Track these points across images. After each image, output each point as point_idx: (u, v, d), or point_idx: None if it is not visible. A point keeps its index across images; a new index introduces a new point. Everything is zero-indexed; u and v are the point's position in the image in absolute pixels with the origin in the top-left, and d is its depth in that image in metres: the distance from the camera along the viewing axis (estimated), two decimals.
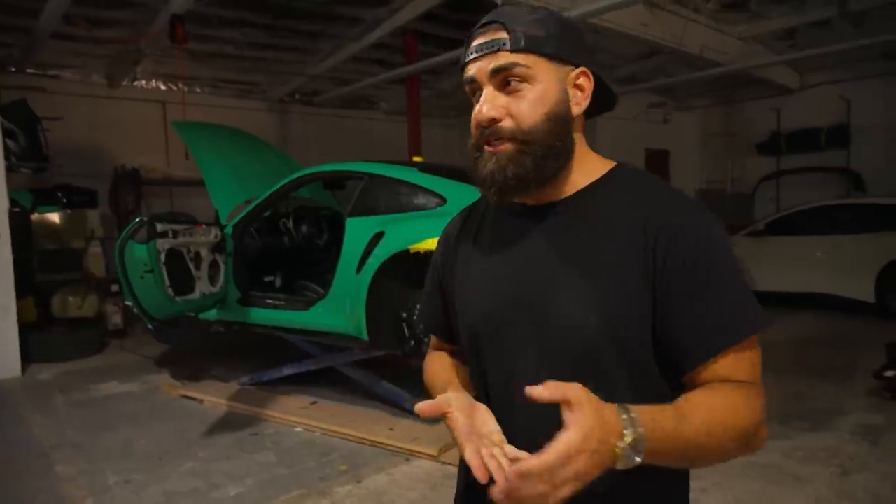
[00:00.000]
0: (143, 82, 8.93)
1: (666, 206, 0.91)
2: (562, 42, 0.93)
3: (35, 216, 6.77)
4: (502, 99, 0.92)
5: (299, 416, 4.22)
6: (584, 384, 0.74)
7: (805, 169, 10.50)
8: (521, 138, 0.91)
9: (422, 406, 0.87)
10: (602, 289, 0.89)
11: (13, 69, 7.67)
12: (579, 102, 0.96)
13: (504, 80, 0.92)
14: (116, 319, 7.01)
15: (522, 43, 0.90)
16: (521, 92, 0.91)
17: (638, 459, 0.73)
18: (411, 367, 5.12)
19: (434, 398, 0.92)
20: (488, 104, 0.92)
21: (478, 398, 0.98)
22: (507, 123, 0.92)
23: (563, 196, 0.97)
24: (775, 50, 8.79)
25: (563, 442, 0.69)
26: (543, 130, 0.92)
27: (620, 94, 10.15)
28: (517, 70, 0.90)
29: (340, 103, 10.64)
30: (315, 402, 4.50)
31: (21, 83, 7.50)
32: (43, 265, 6.59)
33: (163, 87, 9.10)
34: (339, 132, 10.58)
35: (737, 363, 0.85)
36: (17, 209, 6.56)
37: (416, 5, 6.73)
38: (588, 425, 0.70)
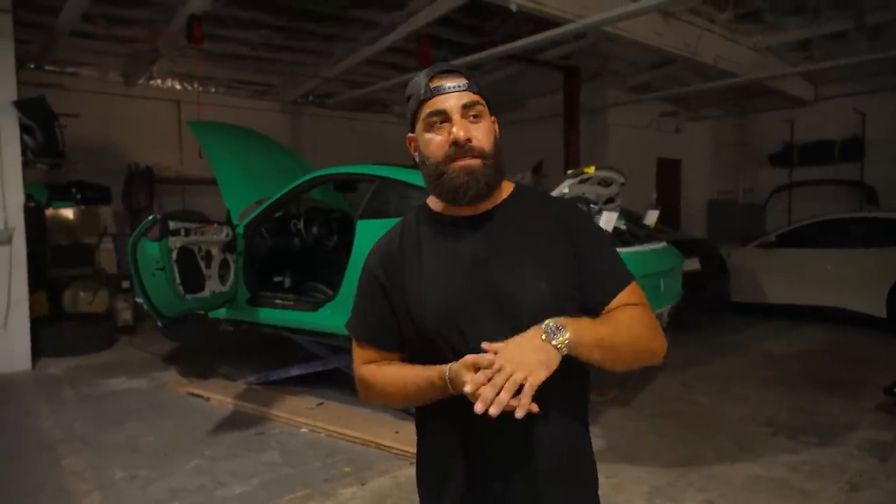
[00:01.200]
0: (159, 81, 9.01)
1: (563, 205, 1.30)
2: (487, 95, 1.24)
3: (49, 211, 6.83)
4: (469, 125, 1.18)
5: (305, 416, 4.23)
6: None
7: (818, 181, 10.42)
8: (485, 155, 1.19)
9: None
10: (547, 268, 1.19)
11: (32, 66, 7.76)
12: (497, 134, 1.26)
13: (468, 113, 1.19)
14: (126, 316, 7.06)
15: (477, 89, 1.21)
16: (479, 123, 1.20)
17: (560, 336, 1.07)
18: None
19: (411, 386, 1.19)
20: (464, 129, 1.17)
21: None
22: (475, 143, 1.18)
23: (490, 207, 1.25)
24: (790, 61, 8.75)
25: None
26: (495, 151, 1.22)
27: (633, 102, 10.20)
28: (477, 107, 1.20)
29: (353, 106, 10.69)
30: (321, 404, 4.51)
31: (39, 80, 7.58)
32: (56, 260, 6.65)
33: (178, 87, 9.17)
34: (351, 134, 10.62)
35: (629, 296, 1.21)
36: (32, 204, 6.62)
37: (433, 9, 6.76)
38: (508, 344, 1.07)
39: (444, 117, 1.18)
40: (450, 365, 1.10)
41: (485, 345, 1.07)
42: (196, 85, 8.72)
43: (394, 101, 11.00)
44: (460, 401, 1.07)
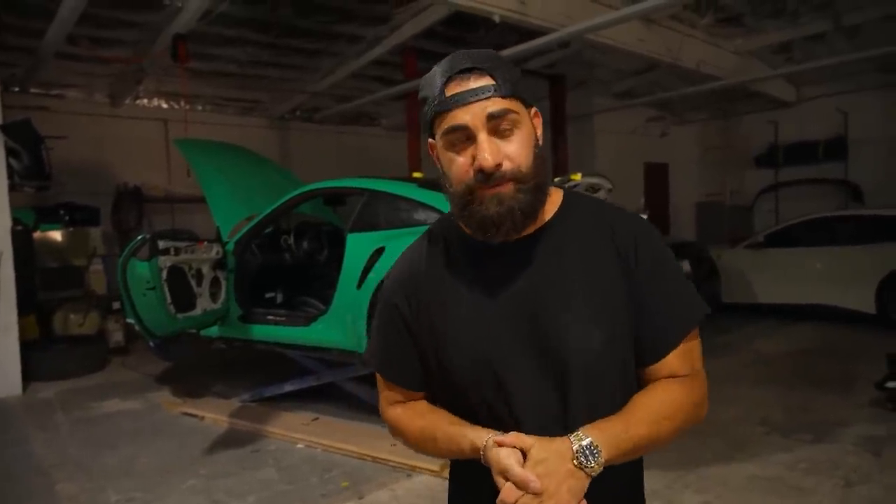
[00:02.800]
0: (146, 101, 9.01)
1: (621, 218, 1.05)
2: (524, 85, 0.99)
3: (37, 234, 6.80)
4: (498, 144, 0.95)
5: (301, 432, 4.21)
6: (593, 397, 0.97)
7: (803, 181, 10.55)
8: (520, 178, 0.96)
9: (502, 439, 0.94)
10: (600, 303, 0.99)
11: (17, 89, 7.74)
12: (539, 137, 1.02)
13: (497, 126, 0.94)
14: (118, 337, 7.01)
15: (509, 88, 0.95)
16: (512, 136, 0.95)
17: (594, 462, 0.89)
18: None
19: (430, 451, 1.05)
20: (491, 152, 0.93)
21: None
22: (506, 166, 0.95)
23: (535, 228, 1.02)
24: (771, 64, 8.87)
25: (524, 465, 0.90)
26: (534, 168, 0.97)
27: (619, 108, 10.30)
28: (509, 115, 0.94)
29: (341, 120, 10.72)
30: (317, 419, 4.49)
31: (25, 102, 7.56)
32: (45, 283, 6.61)
33: (165, 106, 9.18)
34: (339, 148, 10.64)
35: (681, 362, 1.01)
36: (19, 227, 6.58)
37: (417, 23, 6.81)
38: (537, 456, 0.90)
39: (465, 134, 0.94)
40: (485, 442, 0.94)
41: (510, 439, 0.92)
42: (183, 103, 8.72)
43: (381, 114, 11.04)
44: None
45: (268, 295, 5.32)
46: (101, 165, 8.39)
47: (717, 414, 4.34)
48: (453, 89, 0.95)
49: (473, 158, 0.94)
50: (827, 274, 7.18)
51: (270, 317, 4.69)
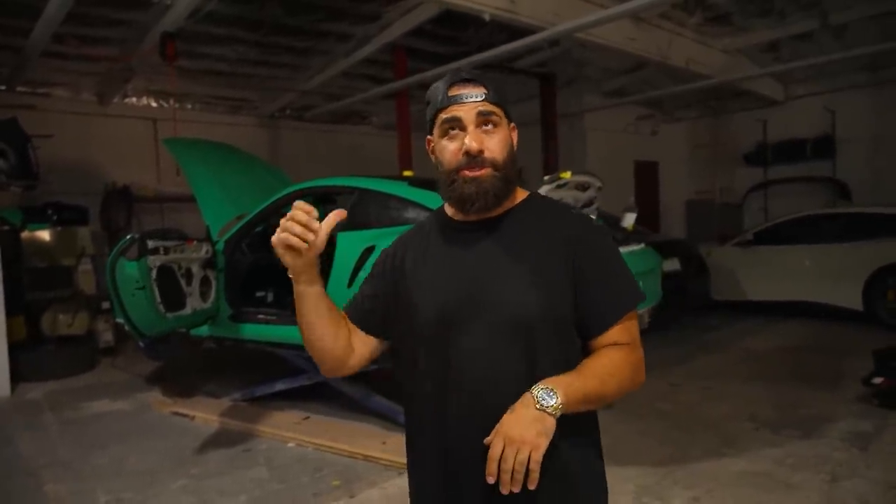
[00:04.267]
0: (134, 99, 8.95)
1: (574, 223, 1.27)
2: (508, 104, 1.27)
3: (25, 234, 6.73)
4: (482, 136, 1.21)
5: (292, 431, 4.21)
6: (527, 351, 1.17)
7: (792, 179, 10.63)
8: (496, 166, 1.21)
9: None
10: (539, 278, 1.20)
11: (3, 87, 7.68)
12: (514, 145, 1.29)
13: (483, 122, 1.21)
14: (107, 337, 6.96)
15: (496, 98, 1.23)
16: (493, 133, 1.22)
17: (553, 401, 1.06)
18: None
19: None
20: (476, 139, 1.19)
21: (426, 385, 1.25)
22: (487, 154, 1.21)
23: (497, 214, 1.26)
24: (760, 62, 8.93)
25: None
26: (507, 161, 1.23)
27: (609, 107, 10.33)
28: (493, 117, 1.22)
29: (331, 118, 10.70)
30: (307, 418, 4.48)
31: (11, 101, 7.50)
32: (33, 283, 6.55)
33: (153, 105, 9.12)
34: (329, 147, 10.61)
35: (621, 333, 1.22)
36: (6, 227, 6.53)
37: (406, 21, 6.81)
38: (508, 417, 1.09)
39: (459, 125, 1.21)
40: None
41: (486, 441, 1.08)
42: (172, 102, 8.67)
43: (372, 112, 11.02)
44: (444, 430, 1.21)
45: (258, 294, 5.30)
46: (89, 165, 8.32)
47: (707, 410, 4.38)
48: (455, 91, 1.22)
49: (462, 145, 1.20)
50: (815, 271, 7.24)
51: (261, 316, 4.68)
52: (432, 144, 1.28)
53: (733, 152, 11.55)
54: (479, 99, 1.20)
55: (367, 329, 1.35)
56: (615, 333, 1.22)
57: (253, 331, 4.65)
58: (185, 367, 6.23)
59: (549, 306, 1.18)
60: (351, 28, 7.22)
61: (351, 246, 4.05)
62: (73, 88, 8.33)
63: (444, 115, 1.22)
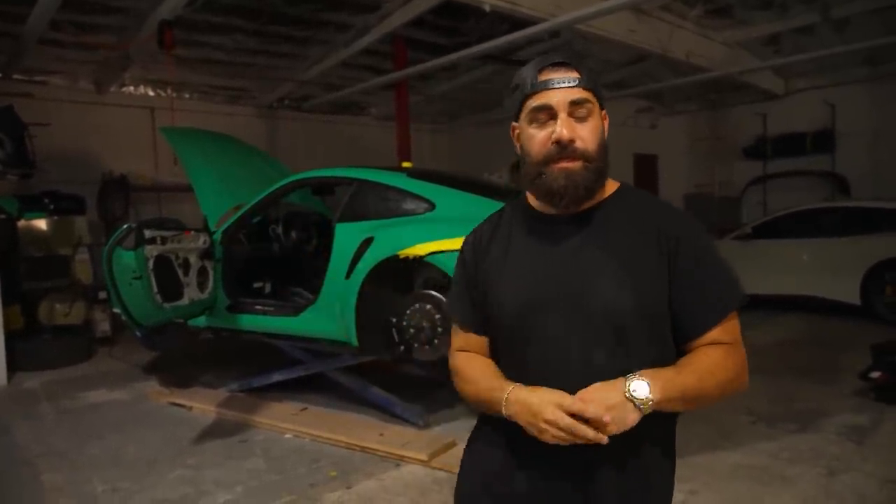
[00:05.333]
0: (132, 88, 8.90)
1: (671, 219, 1.19)
2: (602, 90, 1.20)
3: (22, 223, 6.71)
4: (574, 125, 1.13)
5: (289, 422, 4.21)
6: (617, 349, 1.11)
7: (791, 173, 10.60)
8: (588, 157, 1.14)
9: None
10: (635, 278, 1.13)
11: None
12: (605, 133, 1.21)
13: (575, 110, 1.13)
14: (104, 327, 6.95)
15: (590, 83, 1.15)
16: (585, 122, 1.14)
17: (644, 396, 1.03)
18: (401, 372, 5.12)
19: (478, 394, 1.21)
20: (568, 128, 1.12)
21: (512, 378, 1.17)
22: (579, 144, 1.13)
23: (588, 207, 1.19)
24: (760, 55, 8.89)
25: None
26: (600, 152, 1.16)
27: (608, 99, 10.26)
28: (586, 104, 1.14)
29: (330, 109, 10.65)
30: (305, 409, 4.48)
31: (7, 89, 7.45)
32: (29, 272, 6.53)
33: (151, 93, 9.07)
34: (328, 138, 10.58)
35: (722, 333, 1.16)
36: (3, 216, 6.50)
37: (406, 11, 6.76)
38: (590, 389, 1.06)
39: (549, 114, 1.13)
40: (510, 390, 1.11)
41: (577, 397, 1.05)
42: (170, 91, 8.62)
43: (371, 103, 10.97)
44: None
45: (256, 285, 5.29)
46: (86, 153, 8.28)
47: None
48: (545, 76, 1.14)
49: (552, 134, 1.12)
50: (813, 265, 7.24)
51: (258, 307, 4.67)
52: (517, 132, 1.21)
53: (733, 146, 11.50)
54: (571, 84, 1.12)
55: (481, 331, 1.29)
56: (715, 334, 1.15)
57: (250, 321, 4.64)
58: (183, 357, 6.22)
59: (644, 304, 1.12)
60: (350, 18, 7.18)
61: (349, 237, 4.04)
62: (70, 76, 8.28)
63: (532, 102, 1.14)
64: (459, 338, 1.32)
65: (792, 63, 8.75)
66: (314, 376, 4.75)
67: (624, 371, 1.09)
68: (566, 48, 1.32)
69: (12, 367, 5.72)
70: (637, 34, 7.03)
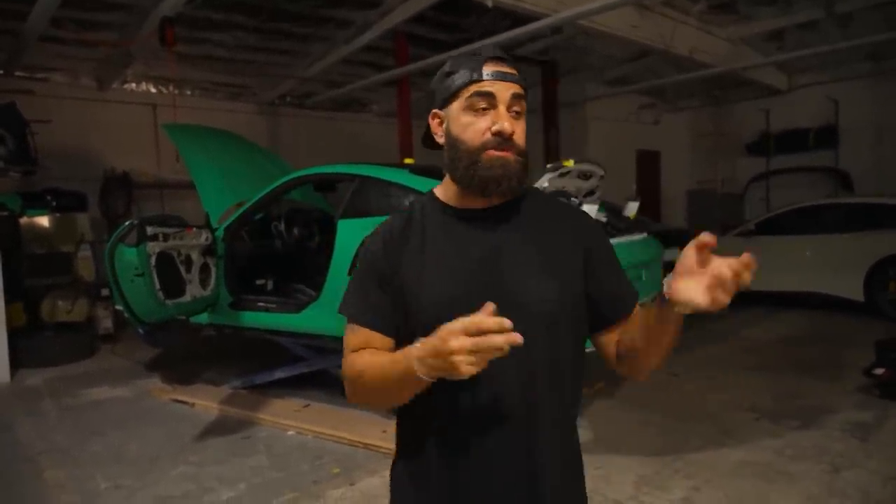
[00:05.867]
0: (133, 85, 8.88)
1: (580, 218, 1.26)
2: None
3: (24, 220, 6.71)
4: (513, 120, 1.14)
5: (291, 419, 4.21)
6: (549, 343, 1.13)
7: (794, 169, 10.58)
8: (520, 153, 1.16)
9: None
10: (558, 269, 1.16)
11: (1, 72, 7.61)
12: None
13: (514, 106, 1.15)
14: (107, 323, 6.95)
15: (525, 84, 1.18)
16: (520, 119, 1.16)
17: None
18: None
19: (385, 377, 1.07)
20: (508, 121, 1.13)
21: (441, 380, 1.05)
22: (516, 138, 1.14)
23: (501, 202, 1.19)
24: (763, 51, 8.86)
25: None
26: (526, 150, 1.18)
27: (611, 95, 10.27)
28: (522, 102, 1.16)
29: (331, 106, 10.63)
30: (307, 405, 4.48)
31: (9, 86, 7.44)
32: (32, 269, 6.53)
33: (153, 90, 9.06)
34: (330, 134, 10.56)
35: (636, 314, 1.20)
36: (5, 213, 6.50)
37: (407, 8, 6.74)
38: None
39: (491, 103, 1.13)
40: (412, 349, 0.98)
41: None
42: (171, 88, 8.61)
43: (372, 100, 10.95)
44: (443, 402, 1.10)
45: (258, 282, 5.29)
46: (88, 150, 8.28)
47: (707, 400, 4.37)
48: (491, 67, 1.14)
49: (491, 124, 1.12)
50: (816, 262, 7.22)
51: (261, 304, 4.67)
52: (441, 118, 1.19)
53: (736, 142, 11.49)
54: (515, 80, 1.14)
55: (392, 333, 1.19)
56: (631, 318, 1.21)
57: (253, 318, 4.64)
58: (185, 354, 6.22)
59: (566, 297, 1.15)
60: (351, 14, 7.16)
61: (352, 233, 4.03)
62: (71, 73, 8.27)
63: (477, 88, 1.12)
64: (359, 340, 1.19)
65: (795, 59, 8.73)
66: (316, 373, 4.74)
67: (556, 361, 1.14)
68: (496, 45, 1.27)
69: (15, 364, 5.72)
70: (640, 30, 7.00)
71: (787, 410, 4.11)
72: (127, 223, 4.06)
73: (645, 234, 5.10)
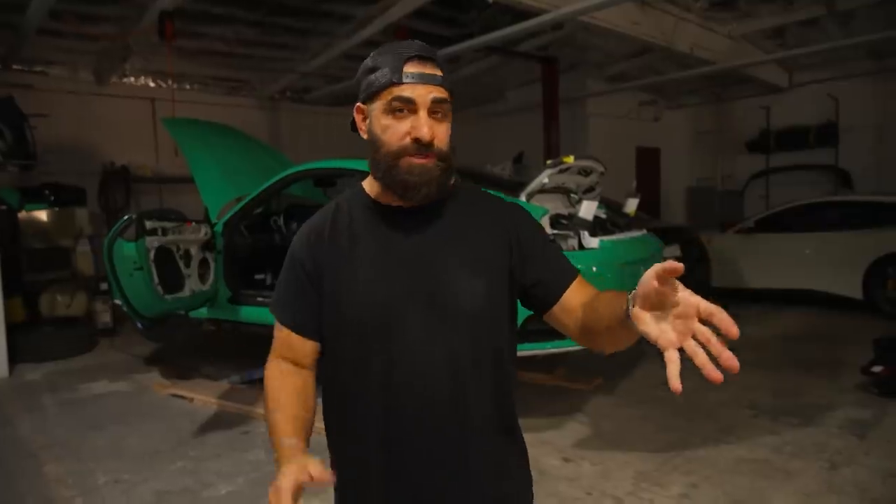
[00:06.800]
0: (132, 79, 8.85)
1: (507, 208, 1.25)
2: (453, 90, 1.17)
3: (22, 214, 6.70)
4: (432, 123, 1.11)
5: None
6: (470, 339, 1.13)
7: (794, 167, 10.57)
8: (442, 157, 1.13)
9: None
10: (482, 265, 1.16)
11: None
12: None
13: (435, 109, 1.11)
14: (105, 318, 6.95)
15: (449, 84, 1.13)
16: (441, 122, 1.13)
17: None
18: None
19: (271, 433, 1.17)
20: (428, 127, 1.10)
21: (358, 379, 1.17)
22: (436, 143, 1.12)
23: (427, 202, 1.16)
24: (764, 49, 8.84)
25: None
26: (449, 153, 1.15)
27: (611, 92, 10.25)
28: (444, 105, 1.12)
29: (331, 100, 10.59)
30: None
31: (7, 80, 7.41)
32: (31, 264, 6.53)
33: (152, 84, 9.02)
34: (329, 129, 10.52)
35: (582, 283, 1.19)
36: (3, 207, 6.49)
37: (407, 2, 6.71)
38: None
39: (410, 108, 1.10)
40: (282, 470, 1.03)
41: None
42: (170, 82, 8.58)
43: None
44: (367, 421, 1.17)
45: (257, 276, 5.28)
46: (86, 145, 8.26)
47: (706, 397, 4.38)
48: (412, 68, 1.10)
49: (411, 129, 1.10)
50: (815, 259, 7.22)
51: (260, 298, 4.66)
52: (365, 114, 1.18)
53: (736, 139, 11.47)
54: (436, 83, 1.11)
55: (313, 335, 1.22)
56: (578, 289, 1.17)
57: (252, 313, 4.63)
58: (184, 349, 6.22)
59: (493, 294, 1.15)
60: (352, 9, 7.13)
61: None
62: (70, 67, 8.23)
63: (395, 92, 1.09)
64: (281, 338, 1.25)
65: (796, 56, 8.71)
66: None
67: (478, 360, 1.13)
68: (419, 43, 1.17)
69: (14, 358, 5.72)
70: (641, 26, 6.98)
71: (785, 408, 4.11)
72: (126, 217, 4.06)
73: (644, 231, 5.10)
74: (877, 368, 4.29)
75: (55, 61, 8.01)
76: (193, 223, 4.45)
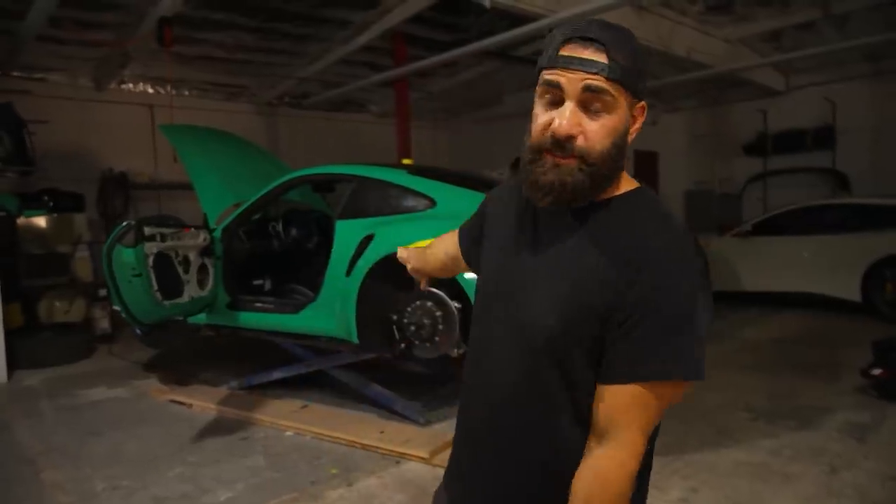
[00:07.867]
0: (131, 85, 8.88)
1: (648, 244, 0.96)
2: (641, 76, 0.98)
3: (21, 220, 6.69)
4: (581, 117, 0.95)
5: (289, 419, 4.20)
6: (542, 371, 1.00)
7: (791, 170, 10.59)
8: (586, 159, 0.95)
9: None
10: (564, 297, 0.98)
11: None
12: (633, 132, 1.02)
13: (589, 100, 0.94)
14: (104, 324, 6.94)
15: (619, 74, 0.94)
16: (599, 117, 0.95)
17: None
18: (402, 369, 5.12)
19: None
20: (569, 121, 0.94)
21: (469, 353, 1.19)
22: (579, 142, 0.95)
23: (561, 206, 1.01)
24: (761, 52, 8.87)
25: None
26: (608, 156, 0.97)
27: None
28: (605, 97, 0.94)
29: (329, 106, 10.62)
30: (305, 406, 4.48)
31: (6, 86, 7.43)
32: (29, 270, 6.51)
33: (150, 91, 9.05)
34: (328, 135, 10.56)
35: (630, 403, 0.94)
36: (2, 213, 6.49)
37: (406, 8, 6.74)
38: None
39: (558, 94, 0.96)
40: None
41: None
42: (169, 88, 8.60)
43: (370, 100, 10.95)
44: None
45: (256, 282, 5.28)
46: (85, 151, 8.27)
47: (704, 400, 4.38)
48: (567, 50, 0.95)
49: (551, 121, 0.96)
50: (813, 262, 7.24)
51: (259, 304, 4.66)
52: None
53: (733, 142, 11.48)
54: (592, 70, 0.92)
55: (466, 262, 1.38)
56: (614, 403, 0.95)
57: (250, 319, 4.63)
58: (183, 354, 6.22)
59: (568, 337, 0.97)
60: (350, 14, 7.15)
61: (350, 234, 4.03)
62: (69, 74, 8.26)
63: (545, 76, 0.96)
64: (447, 238, 1.47)
65: (793, 59, 8.74)
66: (314, 374, 4.74)
67: (544, 395, 1.00)
68: (598, 22, 1.06)
69: (12, 364, 5.71)
70: (638, 31, 6.90)
71: (784, 411, 4.11)
72: (124, 223, 4.05)
73: None
74: (876, 371, 4.29)
75: (54, 68, 8.04)
76: (192, 229, 4.45)
